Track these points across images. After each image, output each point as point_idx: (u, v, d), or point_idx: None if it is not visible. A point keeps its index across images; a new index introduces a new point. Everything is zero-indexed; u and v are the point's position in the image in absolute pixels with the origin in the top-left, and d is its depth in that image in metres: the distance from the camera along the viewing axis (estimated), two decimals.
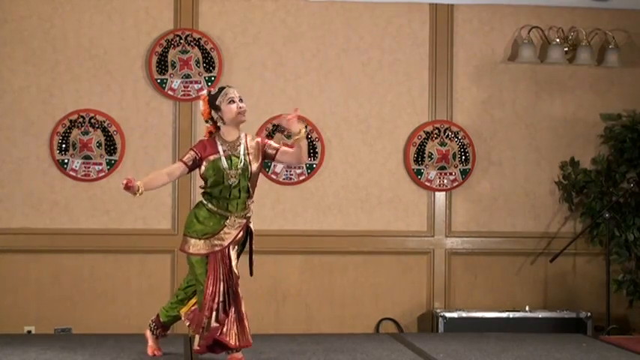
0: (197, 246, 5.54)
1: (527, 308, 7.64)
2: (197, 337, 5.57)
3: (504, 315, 7.55)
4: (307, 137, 7.65)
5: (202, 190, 5.63)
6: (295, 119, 5.45)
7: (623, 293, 7.61)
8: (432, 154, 7.77)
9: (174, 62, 7.57)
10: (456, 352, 6.40)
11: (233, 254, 5.53)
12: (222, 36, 7.67)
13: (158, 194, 7.54)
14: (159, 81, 7.57)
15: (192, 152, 5.55)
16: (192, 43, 7.59)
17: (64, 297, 7.49)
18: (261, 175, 7.57)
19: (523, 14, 7.89)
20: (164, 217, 7.57)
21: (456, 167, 7.79)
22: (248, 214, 5.57)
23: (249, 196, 5.55)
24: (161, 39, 7.57)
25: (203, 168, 5.51)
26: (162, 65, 7.57)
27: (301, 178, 7.67)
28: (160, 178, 5.60)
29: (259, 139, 5.64)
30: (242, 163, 5.48)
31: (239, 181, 5.48)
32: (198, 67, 7.59)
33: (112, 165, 7.53)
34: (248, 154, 5.53)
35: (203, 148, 5.54)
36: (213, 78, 7.58)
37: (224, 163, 5.47)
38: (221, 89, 5.58)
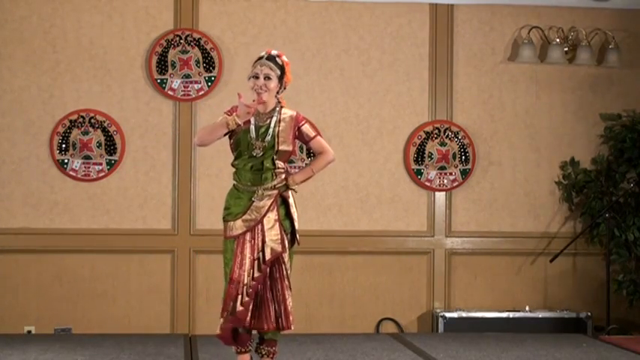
0: (233, 229, 5.29)
1: (527, 308, 7.64)
2: (221, 320, 5.26)
3: (504, 315, 7.55)
4: None
5: (232, 165, 5.43)
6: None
7: (623, 293, 7.61)
8: (432, 154, 7.77)
9: (174, 62, 7.57)
10: (456, 352, 6.40)
11: (271, 231, 5.28)
12: (222, 36, 7.67)
13: (158, 194, 7.54)
14: (159, 81, 7.57)
15: (223, 115, 5.33)
16: (192, 43, 7.58)
17: (64, 297, 7.49)
18: None
19: (523, 14, 7.89)
20: (164, 217, 7.57)
21: (456, 167, 7.79)
22: (278, 185, 5.32)
23: (276, 167, 5.31)
24: (161, 39, 7.58)
25: (237, 135, 5.31)
26: (162, 65, 7.57)
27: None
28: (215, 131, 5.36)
29: (295, 114, 5.41)
30: (270, 136, 5.28)
31: (264, 153, 5.28)
32: (198, 67, 7.58)
33: (112, 165, 7.53)
34: (278, 129, 5.31)
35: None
36: (213, 78, 7.58)
37: (252, 132, 5.28)
38: (259, 59, 5.36)
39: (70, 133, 7.50)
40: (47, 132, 7.51)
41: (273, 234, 5.30)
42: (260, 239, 5.28)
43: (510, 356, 6.29)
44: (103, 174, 7.53)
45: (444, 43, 7.83)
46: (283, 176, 5.35)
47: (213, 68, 7.60)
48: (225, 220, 5.34)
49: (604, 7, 7.91)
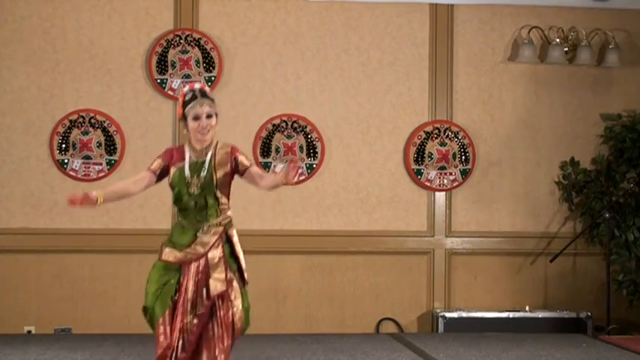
0: (170, 255, 5.08)
1: (527, 308, 7.64)
2: None
3: (504, 315, 7.55)
4: (306, 138, 7.66)
5: (174, 205, 5.24)
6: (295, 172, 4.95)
7: (623, 293, 7.61)
8: (432, 154, 7.77)
9: (174, 62, 7.57)
10: (456, 352, 6.40)
11: (215, 268, 5.04)
12: (222, 36, 7.67)
13: (158, 194, 7.53)
14: (159, 81, 7.57)
15: (159, 160, 5.18)
16: (192, 43, 7.59)
17: (64, 297, 7.49)
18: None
19: (523, 14, 7.89)
20: (164, 217, 7.57)
21: (456, 167, 7.79)
22: (223, 222, 5.11)
23: (220, 203, 5.08)
24: (161, 39, 7.58)
25: (171, 176, 5.14)
26: (163, 65, 7.57)
27: (301, 178, 7.67)
28: (126, 189, 5.23)
29: (230, 149, 5.15)
30: (206, 172, 5.07)
31: (203, 190, 5.06)
32: (198, 67, 7.59)
33: (112, 165, 7.54)
34: (214, 162, 5.10)
35: (170, 155, 5.18)
36: (213, 78, 7.59)
37: (187, 171, 5.08)
38: (193, 98, 5.07)
39: (70, 133, 7.50)
40: (47, 132, 7.51)
41: (217, 271, 5.06)
42: (204, 277, 5.05)
43: (510, 356, 6.29)
44: (103, 174, 7.53)
45: (444, 43, 7.83)
46: (228, 212, 5.16)
47: (213, 68, 7.60)
48: (164, 245, 5.14)
49: (604, 7, 7.91)
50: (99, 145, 7.53)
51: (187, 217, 5.12)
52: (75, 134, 7.51)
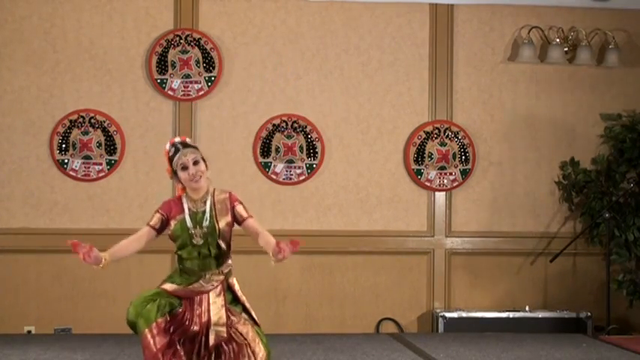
0: (169, 286, 5.08)
1: (527, 308, 7.64)
2: None
3: (504, 315, 7.55)
4: (306, 138, 7.65)
5: (175, 254, 5.23)
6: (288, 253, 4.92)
7: (623, 293, 7.60)
8: (432, 154, 7.77)
9: (174, 62, 7.57)
10: (456, 352, 6.40)
11: (217, 315, 5.02)
12: (222, 36, 7.67)
13: (158, 194, 7.53)
14: (159, 81, 7.57)
15: (158, 214, 5.17)
16: (192, 43, 7.58)
17: (64, 297, 7.49)
18: (261, 174, 7.65)
19: (523, 14, 7.89)
20: None
21: (456, 167, 7.79)
22: (225, 270, 5.13)
23: (222, 253, 5.12)
24: (161, 39, 7.58)
25: (172, 227, 5.13)
26: (162, 65, 7.57)
27: (301, 178, 7.67)
28: (129, 246, 5.19)
29: (228, 195, 5.19)
30: (207, 222, 5.09)
31: (206, 240, 5.09)
32: (198, 67, 7.58)
33: (112, 165, 7.54)
34: (215, 212, 5.13)
35: (169, 208, 5.16)
36: (213, 78, 7.58)
37: (189, 222, 5.10)
38: (177, 151, 5.11)
39: (70, 133, 7.50)
40: (47, 132, 7.51)
41: (218, 318, 5.03)
42: (205, 323, 5.02)
43: (510, 356, 6.29)
44: (103, 174, 7.53)
45: (444, 43, 7.83)
46: (229, 261, 5.18)
47: (213, 68, 7.60)
48: (163, 282, 5.13)
49: (604, 7, 7.91)
50: (99, 145, 7.53)
51: (189, 265, 5.14)
52: (75, 134, 7.51)
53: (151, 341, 4.90)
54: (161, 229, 5.19)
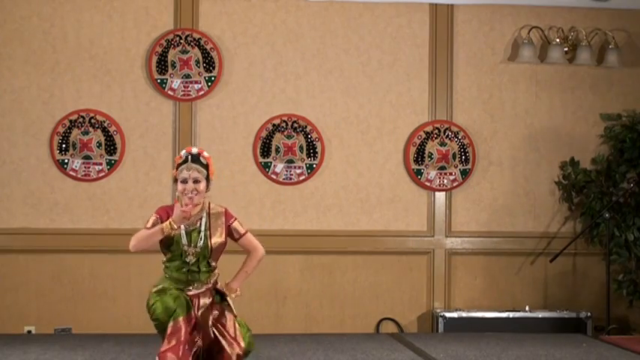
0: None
1: (527, 308, 7.64)
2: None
3: (504, 315, 7.55)
4: (306, 138, 7.65)
5: (163, 264, 5.31)
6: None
7: (623, 293, 7.61)
8: (432, 154, 7.77)
9: (174, 62, 7.57)
10: (456, 352, 6.40)
11: (206, 312, 5.17)
12: (222, 36, 7.67)
13: (158, 194, 7.54)
14: (159, 81, 7.57)
15: (154, 217, 5.23)
16: (192, 43, 7.58)
17: (64, 297, 7.49)
18: (261, 174, 7.65)
19: (523, 14, 7.89)
20: None
21: (456, 167, 7.79)
22: (211, 280, 5.25)
23: (211, 269, 5.24)
24: (161, 39, 7.58)
25: (165, 232, 5.15)
26: (163, 65, 7.57)
27: (301, 178, 7.67)
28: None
29: (224, 211, 5.31)
30: (202, 241, 5.17)
31: (197, 259, 5.18)
32: (198, 67, 7.59)
33: (112, 165, 7.54)
34: (209, 229, 5.22)
35: (165, 214, 5.21)
36: (213, 78, 7.58)
37: (184, 239, 5.18)
38: (184, 162, 5.21)
39: (70, 133, 7.50)
40: (47, 132, 7.51)
41: (205, 320, 5.17)
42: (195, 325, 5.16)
43: (510, 356, 6.29)
44: (103, 174, 7.53)
45: (444, 43, 7.83)
46: (216, 271, 5.28)
47: (213, 68, 7.60)
48: (154, 287, 5.27)
49: (604, 7, 7.91)
50: (99, 145, 7.53)
51: (177, 276, 5.24)
52: (75, 134, 7.51)
53: (183, 328, 5.04)
54: None
